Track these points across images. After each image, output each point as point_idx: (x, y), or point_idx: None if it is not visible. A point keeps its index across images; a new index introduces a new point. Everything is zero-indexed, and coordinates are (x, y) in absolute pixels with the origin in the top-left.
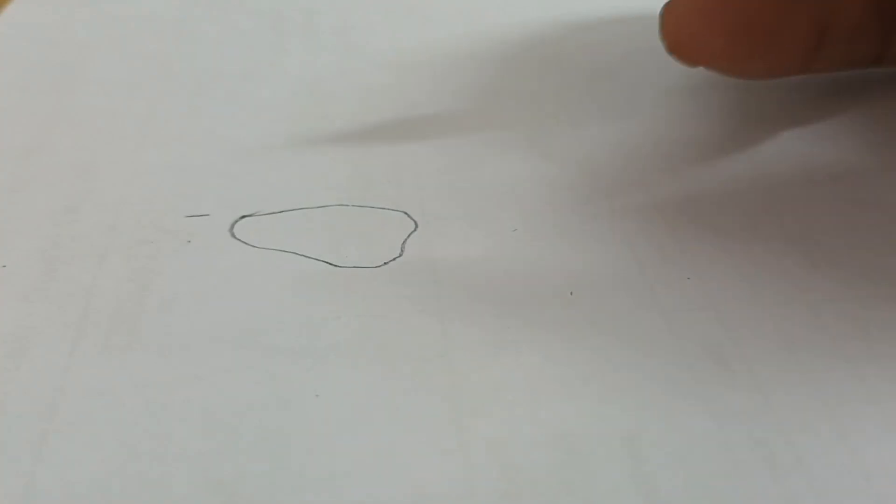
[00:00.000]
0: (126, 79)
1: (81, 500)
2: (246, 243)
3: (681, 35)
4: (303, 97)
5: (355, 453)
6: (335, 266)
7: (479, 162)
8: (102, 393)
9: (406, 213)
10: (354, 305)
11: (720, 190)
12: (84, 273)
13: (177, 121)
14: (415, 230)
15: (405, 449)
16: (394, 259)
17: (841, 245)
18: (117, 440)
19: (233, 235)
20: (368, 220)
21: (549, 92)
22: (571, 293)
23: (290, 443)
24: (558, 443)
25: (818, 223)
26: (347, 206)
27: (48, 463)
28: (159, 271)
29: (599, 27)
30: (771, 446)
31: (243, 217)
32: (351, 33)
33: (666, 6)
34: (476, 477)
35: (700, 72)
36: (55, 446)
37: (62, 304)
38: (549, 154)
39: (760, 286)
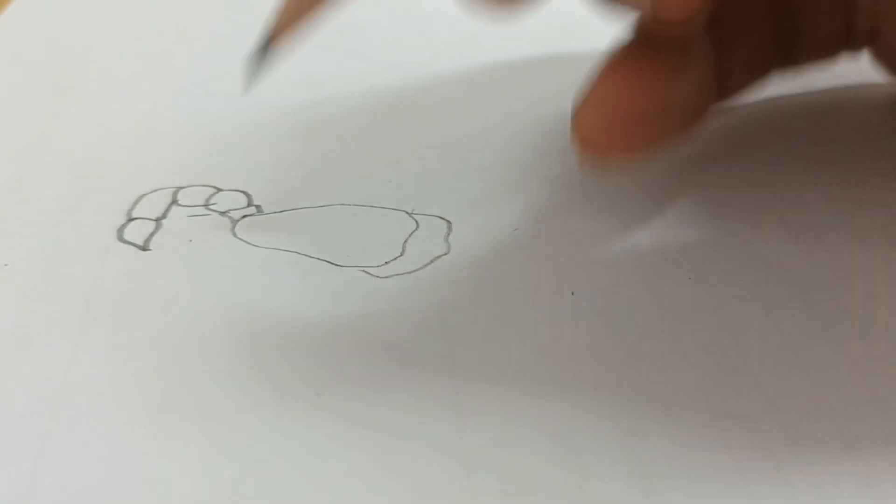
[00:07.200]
0: (126, 79)
1: (81, 500)
2: (247, 242)
3: (594, 139)
4: (303, 97)
5: (356, 453)
6: (336, 265)
7: (480, 162)
8: (102, 393)
9: (407, 213)
10: (355, 304)
11: (721, 190)
12: (84, 273)
13: (177, 120)
14: (416, 230)
15: (405, 449)
16: (395, 258)
17: (841, 245)
18: (117, 440)
19: (234, 235)
20: (370, 219)
21: (550, 89)
22: (572, 293)
23: (291, 442)
24: (558, 443)
25: (819, 223)
26: (349, 205)
27: (48, 463)
28: (160, 271)
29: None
30: (771, 446)
31: (245, 217)
32: (351, 33)
33: (574, 115)
34: (476, 477)
35: None
36: (55, 446)
37: (63, 304)
38: (550, 154)
39: (761, 286)
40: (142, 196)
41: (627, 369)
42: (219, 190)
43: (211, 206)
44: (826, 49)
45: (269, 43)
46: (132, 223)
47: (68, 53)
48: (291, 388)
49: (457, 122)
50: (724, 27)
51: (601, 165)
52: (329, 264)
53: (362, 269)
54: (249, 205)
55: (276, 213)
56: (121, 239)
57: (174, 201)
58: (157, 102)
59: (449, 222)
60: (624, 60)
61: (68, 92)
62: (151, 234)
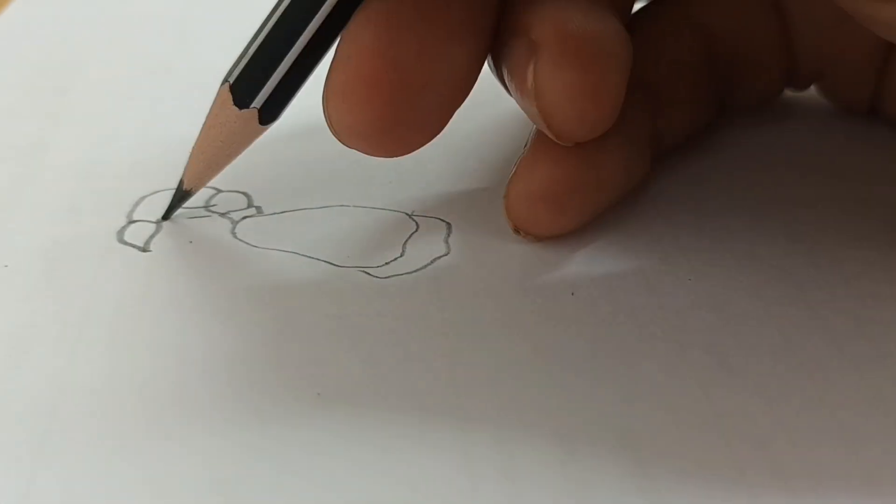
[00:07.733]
0: (126, 79)
1: (81, 500)
2: (248, 243)
3: (524, 220)
4: (303, 97)
5: (356, 453)
6: (337, 266)
7: (480, 163)
8: (102, 393)
9: (407, 214)
10: (356, 305)
11: (721, 190)
12: (84, 273)
13: (177, 121)
14: (416, 231)
15: (405, 449)
16: (395, 259)
17: (841, 245)
18: (117, 440)
19: (234, 236)
20: (370, 220)
21: None
22: (572, 293)
23: (291, 442)
24: (558, 443)
25: (819, 223)
26: (349, 206)
27: (48, 463)
28: (160, 272)
29: None
30: (771, 446)
31: (245, 217)
32: None
33: (505, 199)
34: (476, 477)
35: None
36: (55, 446)
37: (63, 304)
38: None
39: (761, 286)
40: (142, 198)
41: (627, 369)
42: (219, 191)
43: (211, 208)
44: (767, 92)
45: (186, 192)
46: (132, 225)
47: (68, 53)
48: (291, 388)
49: (457, 123)
50: (656, 96)
51: (537, 240)
52: (329, 264)
53: (362, 269)
54: (249, 206)
55: (276, 213)
56: (121, 240)
57: None
58: (157, 103)
59: (449, 224)
60: (545, 143)
61: (68, 92)
62: (152, 236)
